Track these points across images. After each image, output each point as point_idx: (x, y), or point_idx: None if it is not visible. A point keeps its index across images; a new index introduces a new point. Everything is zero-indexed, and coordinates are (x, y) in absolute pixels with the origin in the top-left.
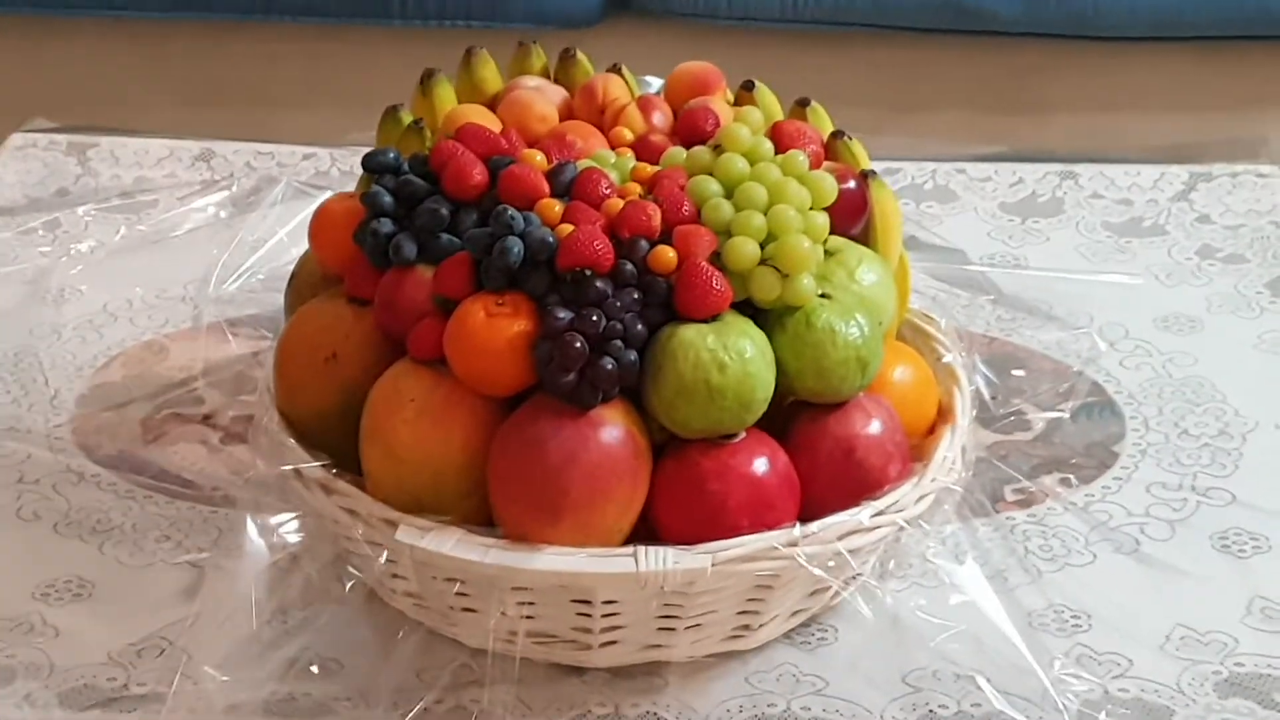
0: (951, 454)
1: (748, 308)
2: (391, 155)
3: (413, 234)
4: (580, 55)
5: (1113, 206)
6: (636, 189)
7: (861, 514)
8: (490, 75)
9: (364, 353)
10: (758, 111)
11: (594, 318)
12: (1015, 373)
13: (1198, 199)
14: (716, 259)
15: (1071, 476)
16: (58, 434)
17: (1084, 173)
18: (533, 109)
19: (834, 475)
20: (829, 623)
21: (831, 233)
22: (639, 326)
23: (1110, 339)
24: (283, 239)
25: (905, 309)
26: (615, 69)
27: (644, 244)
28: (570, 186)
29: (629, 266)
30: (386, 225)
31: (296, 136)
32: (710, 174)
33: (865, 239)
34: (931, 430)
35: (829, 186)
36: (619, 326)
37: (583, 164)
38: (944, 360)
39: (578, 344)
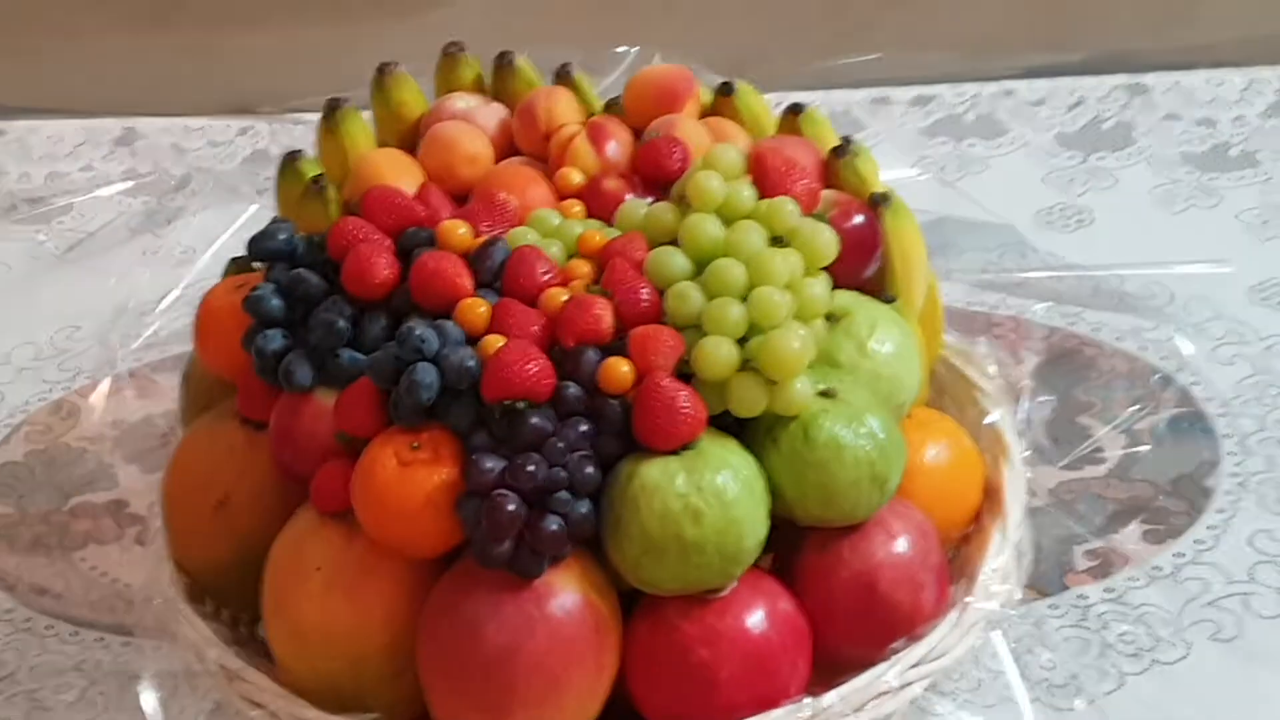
0: (1002, 563)
1: (729, 414)
2: (282, 238)
3: (308, 351)
4: (520, 62)
5: (1192, 130)
6: (583, 270)
7: (889, 673)
8: (410, 97)
9: (262, 496)
10: (733, 148)
11: (530, 467)
12: (1079, 390)
13: None
14: (685, 365)
15: (1157, 527)
16: None
17: (1156, 85)
18: (458, 149)
19: (853, 615)
20: None
21: (838, 284)
22: (589, 470)
23: (1196, 320)
24: (214, 254)
25: (938, 346)
26: (564, 74)
27: (592, 356)
28: (500, 272)
29: (573, 390)
30: (276, 340)
31: (253, 58)
32: (676, 241)
33: (881, 281)
34: (977, 517)
35: (826, 243)
36: (563, 474)
37: (516, 236)
38: (988, 421)
39: (511, 506)
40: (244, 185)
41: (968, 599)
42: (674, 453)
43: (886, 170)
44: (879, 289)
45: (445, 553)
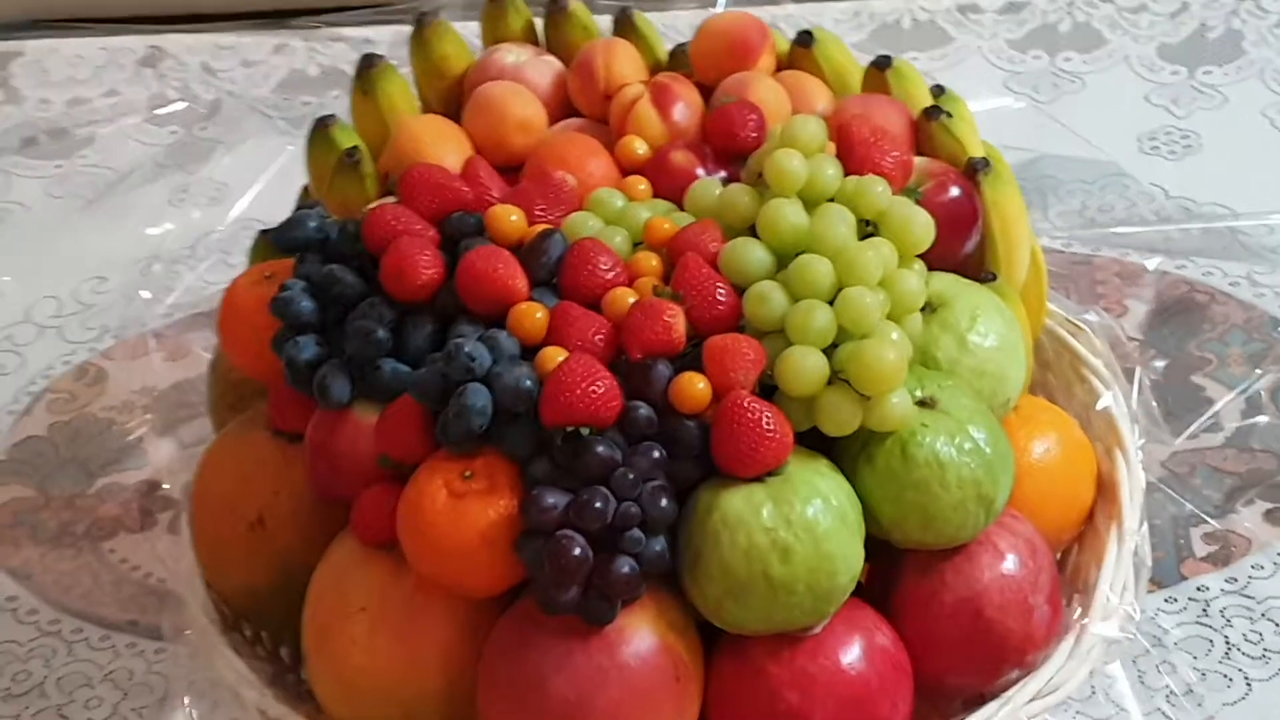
0: (1120, 577)
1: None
2: (313, 225)
3: (344, 362)
4: (574, 7)
5: None
6: (651, 264)
7: (1000, 713)
8: (453, 50)
9: (299, 516)
10: (813, 120)
11: (597, 504)
12: (1191, 344)
13: None
14: (767, 376)
15: None
16: None
17: None
18: (509, 115)
19: (958, 644)
20: None
21: (933, 265)
22: (663, 503)
23: None
24: (253, 199)
25: (1042, 317)
26: (624, 20)
27: (663, 370)
28: (557, 269)
29: (643, 412)
30: (309, 348)
31: None
32: (752, 229)
33: (980, 256)
34: (1089, 515)
35: (921, 228)
36: (635, 509)
37: (575, 224)
38: (1100, 407)
39: (576, 550)
40: (280, 113)
41: (1084, 620)
42: (757, 479)
43: (977, 99)
44: (977, 266)
45: (503, 590)
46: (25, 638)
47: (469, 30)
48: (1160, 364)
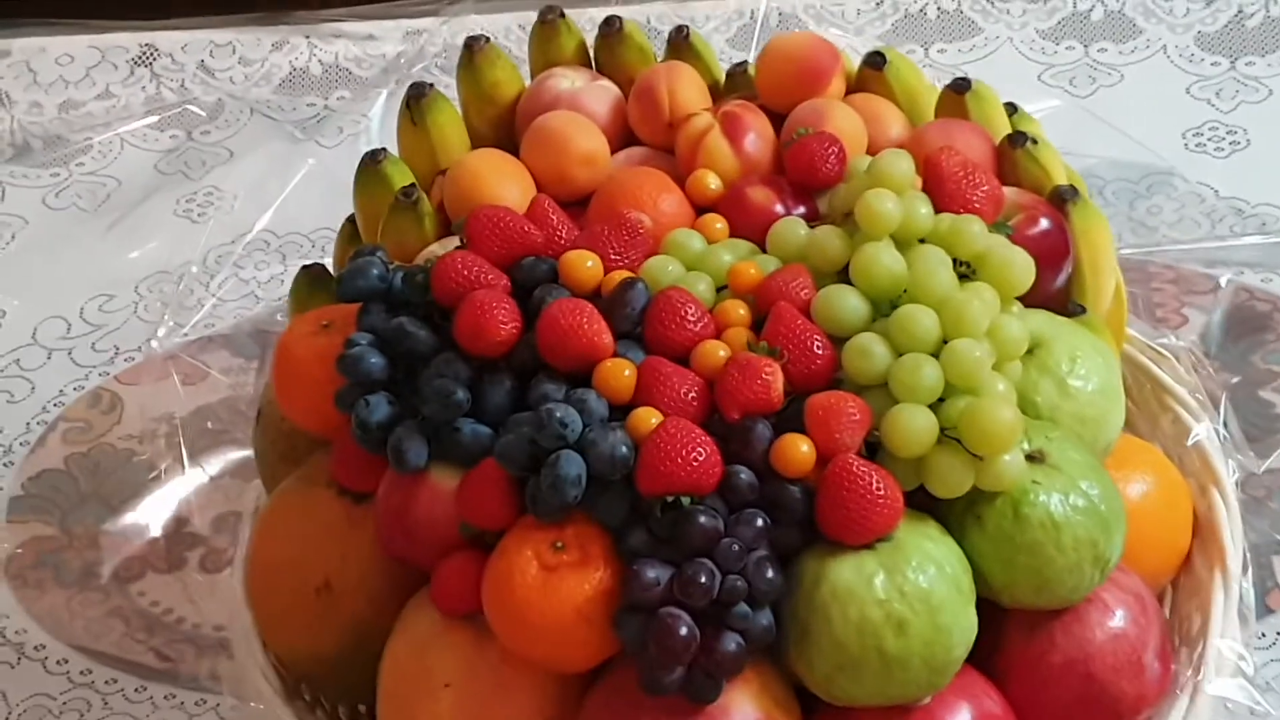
0: (1230, 627)
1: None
2: (376, 272)
3: (419, 423)
4: (629, 28)
5: None
6: (738, 314)
7: None
8: (504, 76)
9: (369, 580)
10: (904, 157)
11: (702, 579)
12: (1256, 357)
13: None
14: (873, 437)
15: None
16: None
17: None
18: (571, 148)
19: (1067, 707)
20: None
21: (1025, 301)
22: (769, 574)
23: None
24: (266, 203)
25: (1122, 343)
26: (680, 41)
27: (763, 432)
28: (641, 320)
29: (744, 477)
30: (380, 409)
31: None
32: (844, 274)
33: (1069, 290)
34: (1188, 558)
35: (1021, 270)
36: (740, 582)
37: (655, 271)
38: (1192, 440)
39: (683, 630)
40: (284, 115)
41: (1198, 679)
42: (867, 546)
43: (1016, 96)
44: (1063, 297)
45: (597, 664)
46: (57, 690)
47: (482, 22)
48: (1234, 380)
